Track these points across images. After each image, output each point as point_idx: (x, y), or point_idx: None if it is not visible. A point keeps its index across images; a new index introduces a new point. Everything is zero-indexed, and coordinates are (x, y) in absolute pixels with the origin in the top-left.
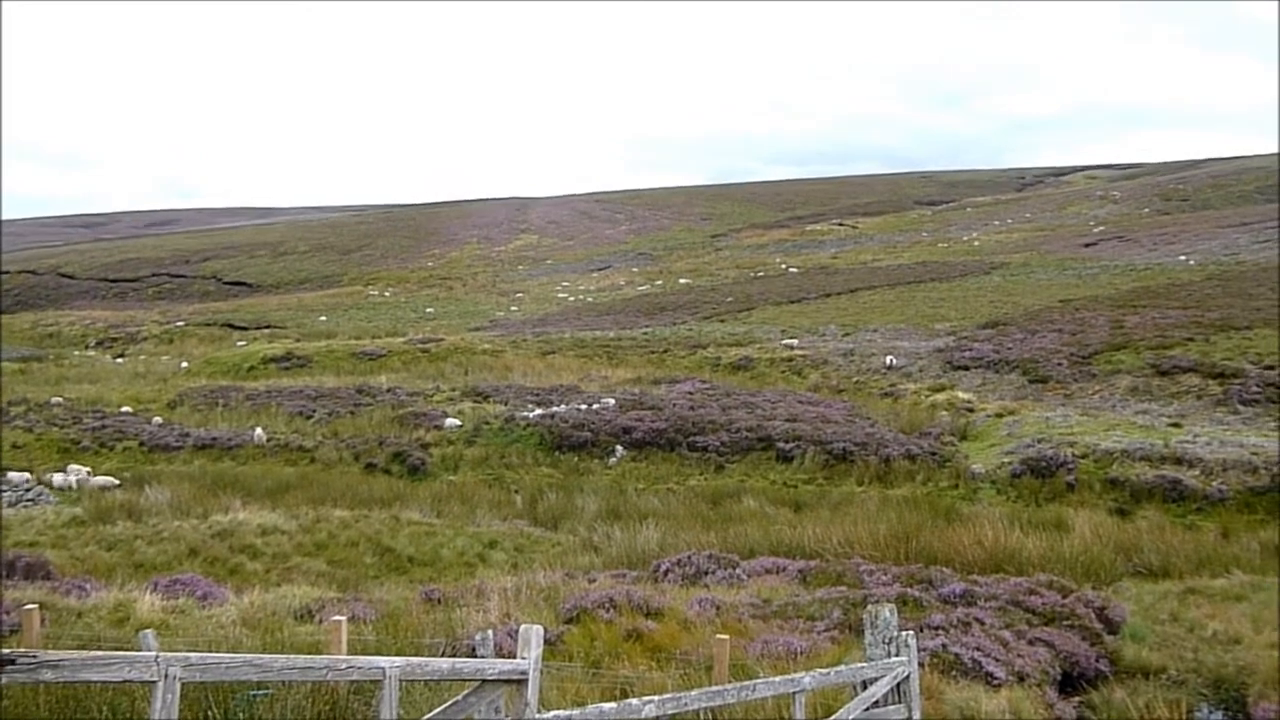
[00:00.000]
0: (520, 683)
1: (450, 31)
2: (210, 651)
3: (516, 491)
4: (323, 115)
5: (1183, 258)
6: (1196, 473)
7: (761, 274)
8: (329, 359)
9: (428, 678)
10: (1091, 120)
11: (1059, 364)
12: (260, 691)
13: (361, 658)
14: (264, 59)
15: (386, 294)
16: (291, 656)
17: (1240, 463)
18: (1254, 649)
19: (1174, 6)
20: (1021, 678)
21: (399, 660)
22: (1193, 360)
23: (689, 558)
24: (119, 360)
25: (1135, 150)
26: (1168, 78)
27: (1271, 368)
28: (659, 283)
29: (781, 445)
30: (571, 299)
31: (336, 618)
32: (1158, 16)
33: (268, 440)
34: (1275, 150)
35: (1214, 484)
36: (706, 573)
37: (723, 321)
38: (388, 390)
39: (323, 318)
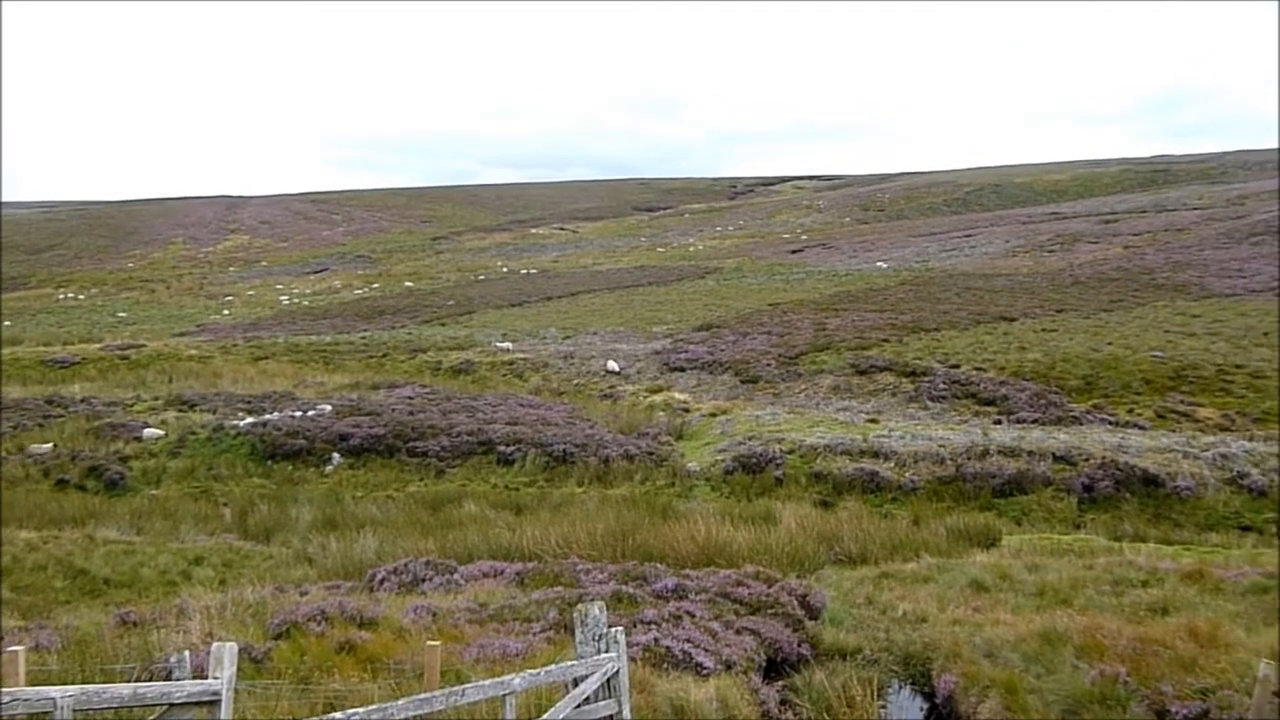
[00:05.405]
0: (213, 704)
1: (154, 24)
2: None
3: (225, 504)
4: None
5: (880, 264)
6: (892, 465)
7: (483, 277)
8: (14, 368)
9: (106, 705)
10: (797, 133)
11: (768, 364)
12: None
13: (29, 689)
14: None
15: (81, 297)
16: None
17: (930, 455)
18: (938, 626)
19: (867, 26)
20: (729, 666)
21: (72, 689)
22: (888, 360)
23: (406, 565)
24: None
25: (836, 162)
26: (865, 94)
27: (957, 366)
28: (378, 286)
29: (502, 449)
30: (287, 302)
31: (14, 648)
32: (852, 36)
33: None
34: (960, 166)
35: (907, 475)
36: (424, 580)
37: (443, 325)
38: (82, 400)
39: (7, 323)
